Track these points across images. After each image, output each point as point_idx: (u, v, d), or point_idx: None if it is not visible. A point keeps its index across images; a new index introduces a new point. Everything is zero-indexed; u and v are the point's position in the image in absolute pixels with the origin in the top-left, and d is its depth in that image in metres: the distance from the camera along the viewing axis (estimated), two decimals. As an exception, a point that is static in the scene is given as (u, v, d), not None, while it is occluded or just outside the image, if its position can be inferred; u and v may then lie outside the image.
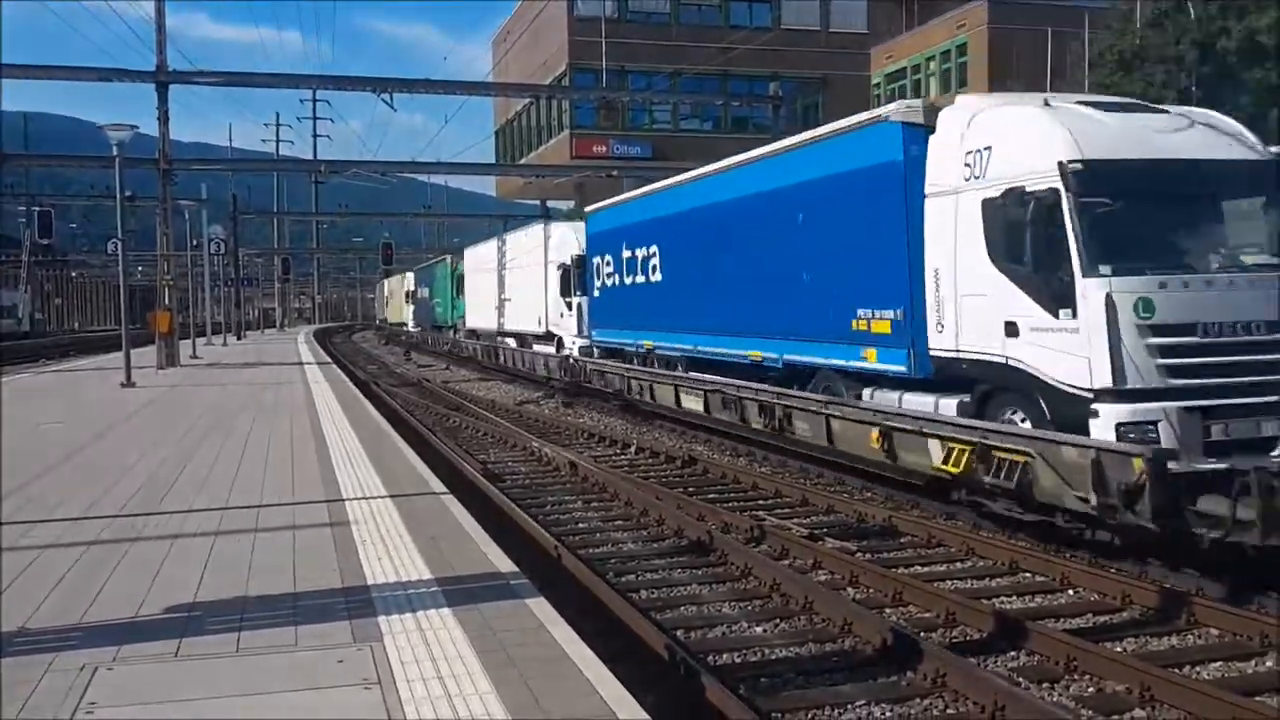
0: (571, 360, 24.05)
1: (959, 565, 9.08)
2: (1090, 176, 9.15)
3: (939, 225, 10.83)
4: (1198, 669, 6.50)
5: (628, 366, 20.34)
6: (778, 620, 7.55)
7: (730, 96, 41.65)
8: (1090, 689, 6.18)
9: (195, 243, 40.72)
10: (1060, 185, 9.21)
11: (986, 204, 10.11)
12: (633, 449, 16.05)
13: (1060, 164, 9.26)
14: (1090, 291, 8.91)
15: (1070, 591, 8.19)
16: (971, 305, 10.38)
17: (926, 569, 8.96)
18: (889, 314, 11.74)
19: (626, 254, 20.92)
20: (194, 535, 7.52)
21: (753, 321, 15.33)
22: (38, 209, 36.19)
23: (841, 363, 12.86)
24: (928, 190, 11.01)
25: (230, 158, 68.13)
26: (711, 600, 8.11)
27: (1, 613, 5.62)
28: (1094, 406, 8.84)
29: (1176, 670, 6.31)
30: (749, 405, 14.34)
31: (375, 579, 6.26)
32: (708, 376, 16.22)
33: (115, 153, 21.21)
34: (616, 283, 21.70)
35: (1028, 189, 9.52)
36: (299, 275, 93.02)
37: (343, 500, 8.76)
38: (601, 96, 41.30)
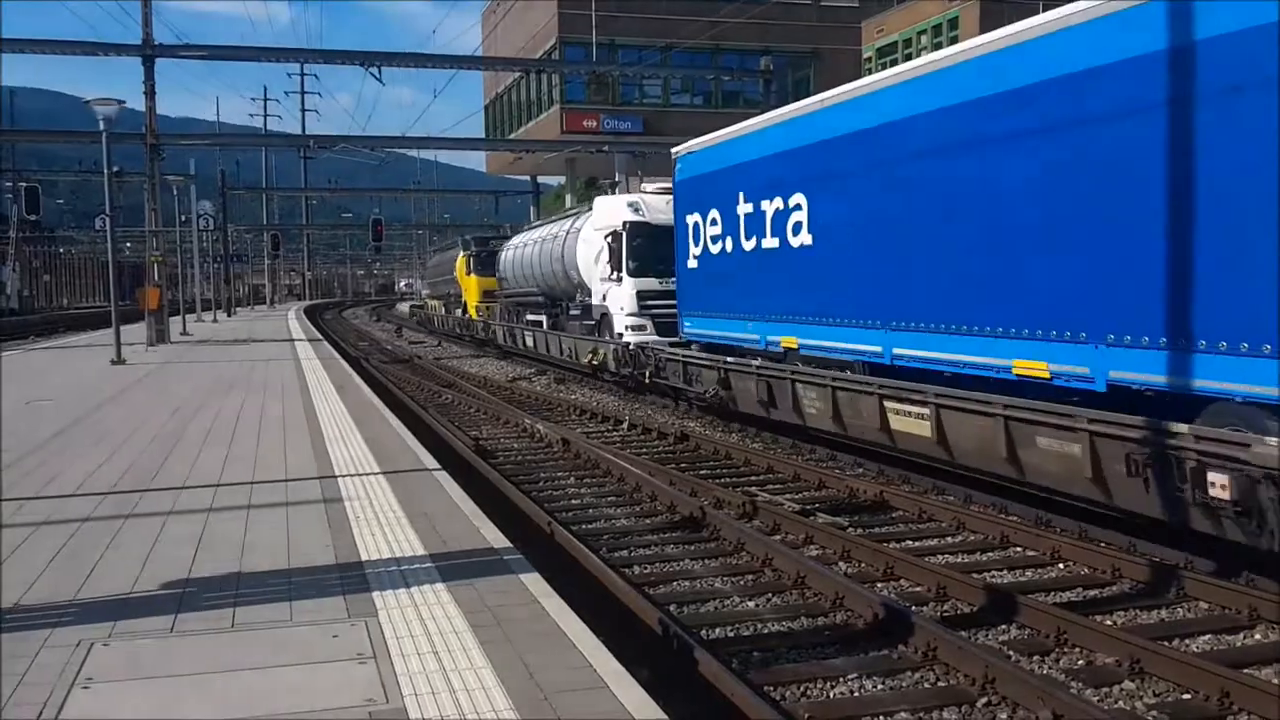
0: None
1: (950, 540, 9.13)
2: None
3: None
4: (1187, 642, 6.55)
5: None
6: (770, 595, 7.59)
7: (721, 71, 41.47)
8: (1080, 661, 6.23)
9: (184, 219, 40.53)
10: None
11: None
12: (625, 425, 16.08)
13: None
14: None
15: (1061, 565, 8.24)
16: None
17: (917, 543, 9.01)
18: None
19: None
20: (188, 512, 7.52)
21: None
22: (25, 185, 35.94)
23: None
24: None
25: (218, 133, 67.69)
26: (704, 575, 8.14)
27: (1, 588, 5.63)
28: None
29: (1166, 643, 6.36)
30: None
31: (369, 555, 6.27)
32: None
33: (102, 128, 21.06)
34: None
35: None
36: (289, 251, 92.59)
37: (336, 477, 8.77)
38: (591, 71, 41.04)
